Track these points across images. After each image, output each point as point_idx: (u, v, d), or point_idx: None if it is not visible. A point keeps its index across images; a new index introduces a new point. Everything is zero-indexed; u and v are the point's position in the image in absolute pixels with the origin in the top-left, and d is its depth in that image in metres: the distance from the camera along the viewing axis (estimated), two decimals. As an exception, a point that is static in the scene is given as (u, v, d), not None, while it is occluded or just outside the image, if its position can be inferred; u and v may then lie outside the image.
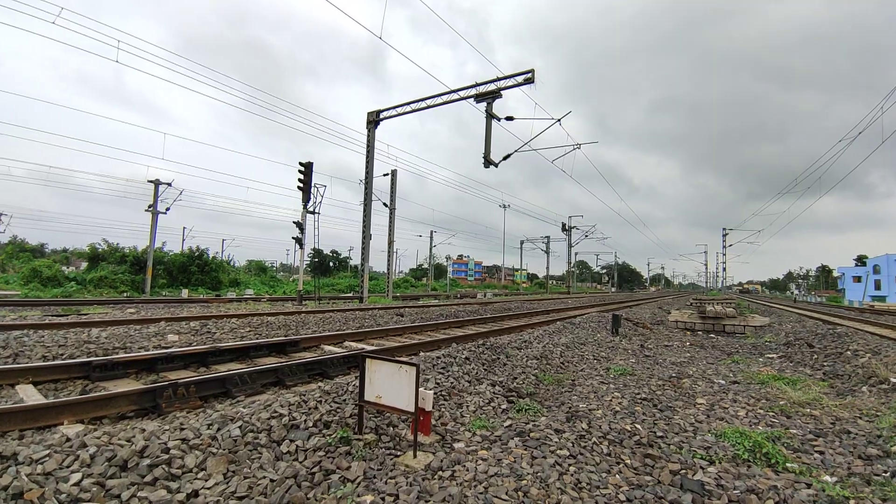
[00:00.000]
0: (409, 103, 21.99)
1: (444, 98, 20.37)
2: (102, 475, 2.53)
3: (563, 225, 60.21)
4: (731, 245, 55.54)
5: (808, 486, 2.92)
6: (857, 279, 70.93)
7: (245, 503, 2.53)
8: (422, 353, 6.89)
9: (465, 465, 3.01)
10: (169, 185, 29.25)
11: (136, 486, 2.51)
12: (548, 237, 64.73)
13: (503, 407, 4.65)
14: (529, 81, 17.81)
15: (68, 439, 2.82)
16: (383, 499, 2.58)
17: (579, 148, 19.33)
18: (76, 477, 2.48)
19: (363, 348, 8.17)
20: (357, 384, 4.01)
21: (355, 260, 59.12)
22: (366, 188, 23.11)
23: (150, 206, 28.86)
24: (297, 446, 3.15)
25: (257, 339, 8.49)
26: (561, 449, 3.31)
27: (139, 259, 30.13)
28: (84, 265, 33.69)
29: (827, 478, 3.08)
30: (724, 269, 59.81)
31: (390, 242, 25.67)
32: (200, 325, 9.40)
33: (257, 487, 2.65)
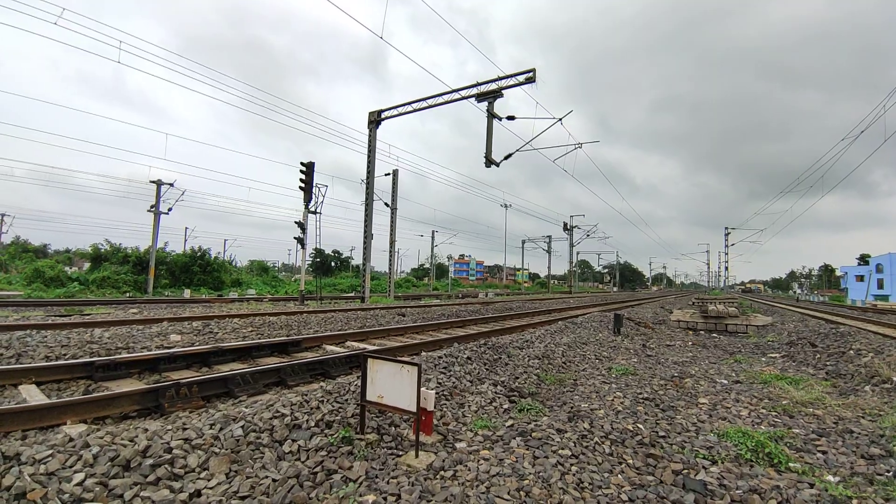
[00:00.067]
0: (410, 103, 21.99)
1: (446, 98, 20.37)
2: (105, 475, 2.54)
3: (565, 224, 60.17)
4: (733, 244, 55.47)
5: (811, 485, 2.91)
6: (860, 278, 70.68)
7: (247, 503, 2.53)
8: (424, 353, 6.89)
9: (466, 465, 3.01)
10: (171, 185, 29.34)
11: (138, 486, 2.52)
12: (549, 237, 64.70)
13: (505, 407, 4.65)
14: (531, 81, 17.79)
15: (71, 439, 2.83)
16: (385, 499, 2.58)
17: (581, 147, 19.32)
18: (79, 477, 2.49)
19: (365, 348, 8.18)
20: (359, 384, 4.02)
21: (357, 260, 59.18)
22: (367, 188, 23.13)
23: (152, 207, 28.94)
24: (300, 446, 3.15)
25: (259, 339, 8.51)
26: (563, 449, 3.30)
27: (141, 259, 30.20)
28: (87, 265, 33.80)
29: (830, 477, 3.07)
30: (727, 269, 59.70)
31: (392, 242, 25.69)
32: (203, 325, 9.42)
33: (259, 487, 2.66)
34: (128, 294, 25.95)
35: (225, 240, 60.87)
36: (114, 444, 2.81)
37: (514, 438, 3.53)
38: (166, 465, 2.70)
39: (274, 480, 2.72)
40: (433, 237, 58.39)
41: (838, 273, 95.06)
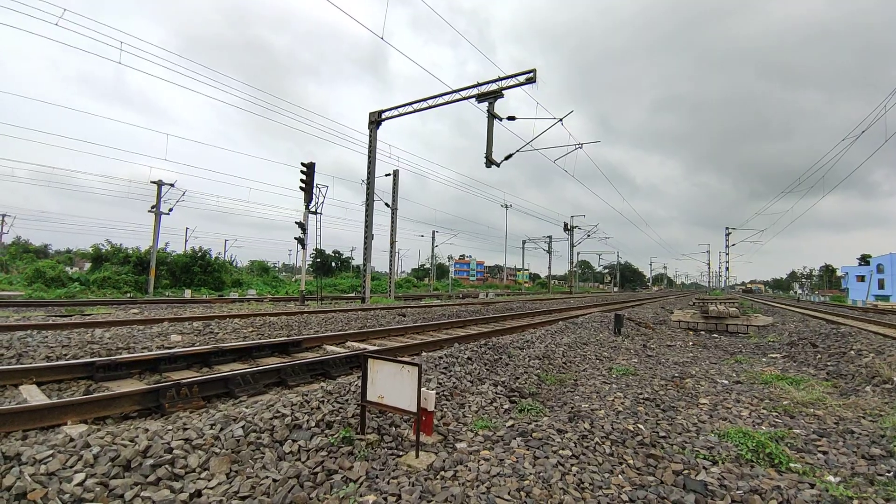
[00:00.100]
0: (410, 103, 22.00)
1: (446, 98, 20.38)
2: (106, 475, 2.54)
3: (566, 225, 60.16)
4: (734, 244, 55.36)
5: (812, 486, 2.91)
6: (861, 278, 70.61)
7: (248, 503, 2.53)
8: (424, 354, 6.89)
9: (467, 466, 3.01)
10: (172, 185, 29.37)
11: (139, 486, 2.52)
12: (550, 237, 64.69)
13: (505, 407, 4.65)
14: (531, 81, 17.79)
15: (72, 439, 2.83)
16: (385, 499, 2.58)
17: (581, 147, 19.32)
18: (79, 477, 2.49)
19: (365, 348, 8.18)
20: (359, 384, 4.02)
21: (357, 260, 59.26)
22: (368, 188, 23.13)
23: (153, 207, 28.97)
24: (300, 446, 3.15)
25: (260, 339, 8.51)
26: (563, 449, 3.30)
27: (142, 260, 30.24)
28: (88, 266, 33.83)
29: (830, 478, 3.07)
30: (727, 269, 59.60)
31: (392, 242, 25.69)
32: (203, 325, 9.43)
33: (260, 487, 2.66)
34: (128, 294, 25.97)
35: (225, 240, 60.97)
36: (114, 444, 2.81)
37: (515, 439, 3.52)
38: (167, 466, 2.70)
39: (274, 481, 2.72)
40: (433, 237, 58.43)
41: (839, 273, 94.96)
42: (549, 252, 64.83)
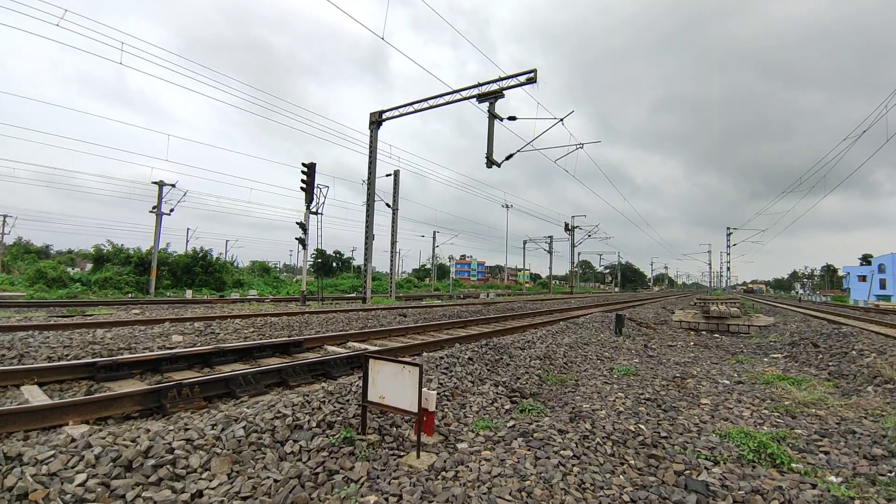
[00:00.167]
0: (411, 103, 22.01)
1: (447, 98, 20.39)
2: (107, 475, 2.55)
3: (566, 225, 60.12)
4: (735, 244, 55.28)
5: (814, 486, 2.90)
6: (863, 278, 70.47)
7: (249, 503, 2.54)
8: (425, 354, 6.89)
9: (468, 466, 3.01)
10: (173, 186, 29.41)
11: (140, 487, 2.52)
12: (550, 237, 64.63)
13: (506, 407, 4.65)
14: (532, 81, 17.79)
15: (73, 440, 2.83)
16: (387, 499, 2.58)
17: (582, 147, 19.31)
18: (81, 477, 2.49)
19: (366, 349, 8.18)
20: (360, 385, 4.02)
21: (358, 260, 59.22)
22: (368, 188, 23.15)
23: (154, 208, 29.01)
24: (301, 447, 3.16)
25: (261, 339, 8.52)
26: (564, 449, 3.30)
27: (143, 260, 30.29)
28: (89, 266, 33.90)
29: (832, 478, 3.07)
30: (728, 269, 59.53)
31: (393, 243, 25.70)
32: (204, 325, 9.44)
33: (261, 488, 2.66)
34: (130, 295, 26.02)
35: (226, 240, 60.93)
36: (116, 444, 2.82)
37: (516, 439, 3.52)
38: (168, 466, 2.70)
39: (276, 481, 2.72)
40: (434, 238, 58.39)
41: (840, 273, 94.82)
42: (550, 252, 64.81)
